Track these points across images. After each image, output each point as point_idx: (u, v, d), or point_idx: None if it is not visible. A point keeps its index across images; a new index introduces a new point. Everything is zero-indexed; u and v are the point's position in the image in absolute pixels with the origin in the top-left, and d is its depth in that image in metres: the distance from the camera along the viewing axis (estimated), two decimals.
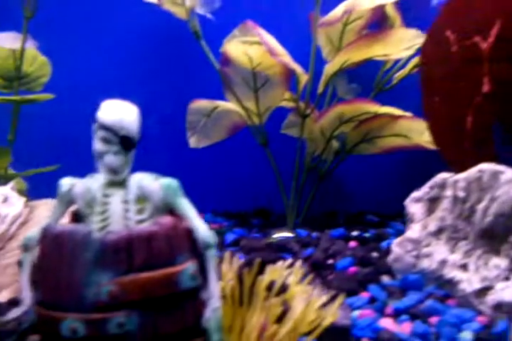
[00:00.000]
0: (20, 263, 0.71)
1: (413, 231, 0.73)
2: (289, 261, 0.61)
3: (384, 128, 1.13)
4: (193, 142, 1.23)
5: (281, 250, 0.85)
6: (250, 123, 1.19)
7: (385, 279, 0.72)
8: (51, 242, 0.47)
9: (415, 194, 0.76)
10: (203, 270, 0.50)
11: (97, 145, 0.50)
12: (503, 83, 0.77)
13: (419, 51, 1.09)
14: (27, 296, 0.50)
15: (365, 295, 0.68)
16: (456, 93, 0.81)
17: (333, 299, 0.57)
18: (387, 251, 0.77)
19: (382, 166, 1.28)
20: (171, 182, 0.52)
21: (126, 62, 1.25)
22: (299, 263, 0.60)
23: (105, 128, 0.49)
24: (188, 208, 0.52)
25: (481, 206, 0.66)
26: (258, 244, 0.87)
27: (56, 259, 0.47)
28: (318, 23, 1.12)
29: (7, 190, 0.83)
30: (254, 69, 1.14)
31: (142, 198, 0.51)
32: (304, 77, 1.16)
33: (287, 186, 1.19)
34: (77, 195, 0.51)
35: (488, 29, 0.75)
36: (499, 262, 0.63)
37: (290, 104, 1.23)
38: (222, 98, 1.20)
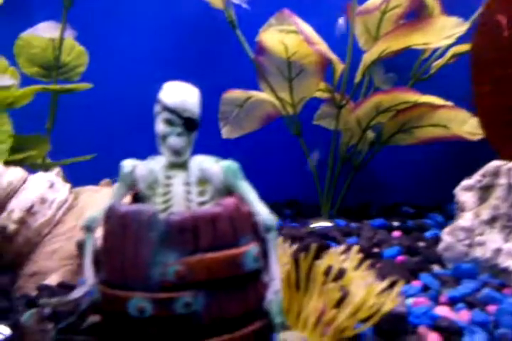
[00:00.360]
0: (80, 245, 0.72)
1: (465, 219, 0.71)
2: (343, 247, 0.60)
3: (422, 118, 1.11)
4: (226, 132, 1.23)
5: (324, 238, 0.85)
6: (284, 113, 1.18)
7: (436, 268, 0.71)
8: (116, 222, 0.48)
9: (466, 182, 0.75)
10: (263, 253, 0.50)
11: (161, 127, 0.50)
12: None
13: (459, 40, 1.07)
14: (90, 276, 0.50)
15: (417, 284, 0.67)
16: (508, 80, 0.79)
17: (391, 286, 0.56)
18: (435, 241, 0.76)
19: (418, 157, 1.26)
20: (231, 164, 0.52)
21: (161, 51, 1.25)
22: (355, 248, 0.59)
23: (169, 110, 0.49)
24: (248, 191, 0.51)
25: None
26: (299, 233, 0.86)
27: (121, 239, 0.47)
28: (355, 11, 1.10)
29: (52, 175, 0.84)
30: (289, 58, 1.13)
31: (203, 180, 0.51)
32: (340, 67, 1.14)
33: (321, 177, 1.19)
34: (139, 176, 0.51)
35: None
36: None
37: (324, 95, 1.22)
38: (256, 88, 1.19)
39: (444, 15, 1.13)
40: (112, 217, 0.48)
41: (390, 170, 1.28)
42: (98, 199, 0.84)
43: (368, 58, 1.10)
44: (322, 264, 0.55)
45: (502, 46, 0.79)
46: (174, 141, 0.49)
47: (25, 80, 1.07)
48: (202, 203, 0.50)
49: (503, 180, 0.69)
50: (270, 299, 0.48)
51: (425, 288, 0.66)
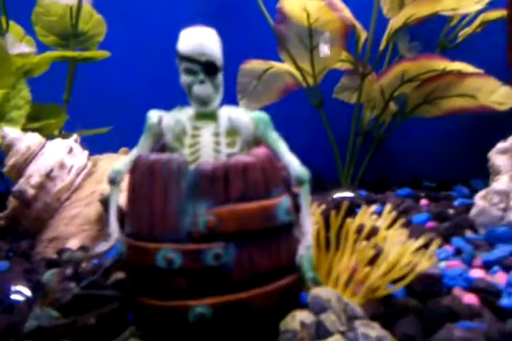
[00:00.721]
0: (104, 202, 0.71)
1: (500, 182, 0.68)
2: (374, 206, 0.58)
3: (449, 87, 1.07)
4: (244, 105, 1.20)
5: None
6: (304, 84, 1.15)
7: (468, 233, 0.69)
8: (145, 172, 0.46)
9: (501, 145, 0.72)
10: (295, 207, 0.48)
11: (183, 78, 0.48)
12: None
13: (489, 5, 1.02)
14: (114, 230, 0.49)
15: (449, 248, 0.65)
16: None
17: (425, 247, 0.54)
18: (465, 208, 0.73)
19: (441, 130, 1.22)
20: (262, 115, 0.49)
21: (179, 19, 1.22)
22: (388, 207, 0.57)
23: (186, 58, 0.47)
24: (279, 143, 0.49)
25: None
26: (323, 201, 0.84)
27: (149, 189, 0.45)
28: None
29: (71, 141, 0.83)
30: (311, 25, 1.10)
31: (232, 131, 0.48)
32: (363, 34, 1.11)
33: (342, 150, 1.16)
34: (165, 127, 0.49)
35: None
36: None
37: (344, 66, 1.18)
38: (275, 58, 1.16)
39: None
40: (140, 167, 0.46)
41: (411, 144, 1.24)
42: None
43: (393, 25, 1.05)
44: (354, 222, 0.53)
45: None
46: (198, 89, 0.47)
47: (42, 50, 1.05)
48: (231, 155, 0.48)
49: None
50: (301, 254, 0.47)
51: (458, 252, 0.64)
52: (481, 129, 1.19)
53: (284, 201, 0.46)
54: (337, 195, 0.97)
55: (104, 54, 1.03)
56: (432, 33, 1.14)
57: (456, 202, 0.85)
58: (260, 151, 0.47)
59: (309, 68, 1.14)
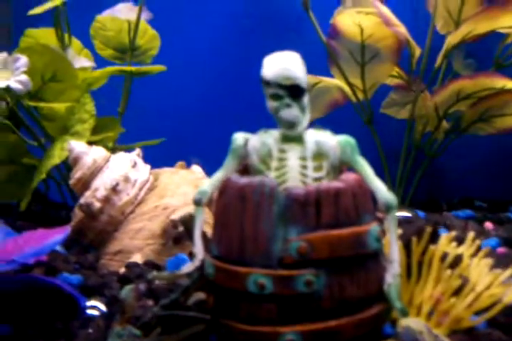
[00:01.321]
0: (178, 223, 0.72)
1: None
2: (454, 233, 0.57)
3: (506, 106, 1.05)
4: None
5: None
6: (355, 99, 1.14)
7: None
8: (235, 194, 0.46)
9: None
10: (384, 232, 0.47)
11: (270, 103, 0.48)
12: None
13: None
14: (199, 251, 0.49)
15: None
16: None
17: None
18: None
19: (493, 148, 1.19)
20: (349, 139, 0.49)
21: (232, 35, 1.23)
22: (471, 234, 0.56)
23: (270, 83, 0.47)
24: (366, 167, 0.49)
25: None
26: (400, 225, 0.82)
27: (240, 212, 0.45)
28: None
29: (134, 156, 0.84)
30: (364, 41, 1.09)
31: (319, 155, 0.48)
32: (417, 51, 1.10)
33: (391, 167, 1.14)
34: (251, 149, 0.49)
35: None
36: None
37: (394, 81, 1.17)
38: (326, 74, 1.16)
39: None
40: (230, 190, 0.46)
41: (461, 162, 1.22)
42: (177, 180, 0.83)
43: (451, 41, 1.04)
44: (437, 249, 0.52)
45: None
46: (285, 113, 0.47)
47: (97, 63, 1.08)
48: (318, 179, 0.48)
49: None
50: (389, 282, 0.46)
51: None
52: None
53: (374, 227, 0.46)
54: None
55: (160, 68, 1.05)
56: (487, 51, 1.13)
57: None
58: (351, 177, 0.47)
59: (359, 83, 1.14)
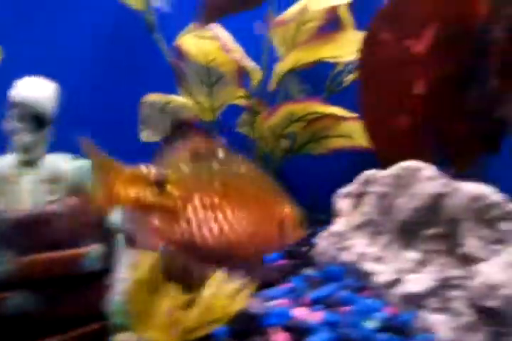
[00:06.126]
0: None
1: (338, 225, 0.75)
2: None
3: (330, 128, 1.16)
4: (145, 136, 1.23)
5: None
6: (203, 118, 1.20)
7: (309, 271, 0.74)
8: None
9: (344, 190, 0.78)
10: (110, 254, 0.51)
11: (10, 123, 0.50)
12: (437, 86, 0.81)
13: None
14: None
15: (286, 286, 0.69)
16: (392, 94, 0.84)
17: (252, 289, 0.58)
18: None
19: (330, 166, 1.30)
20: (84, 163, 0.52)
21: (78, 54, 1.24)
22: None
23: (18, 105, 0.49)
24: None
25: (399, 201, 0.69)
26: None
27: None
28: (273, 21, 1.14)
29: None
30: (208, 64, 1.15)
31: (54, 179, 0.51)
32: (257, 75, 1.17)
33: None
34: None
35: (424, 32, 0.78)
36: (411, 255, 0.65)
37: (244, 102, 1.25)
38: (176, 92, 1.20)
39: (356, 29, 1.19)
40: None
41: (303, 179, 1.31)
42: None
43: (281, 67, 1.13)
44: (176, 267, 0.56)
45: (387, 62, 0.84)
46: (23, 137, 0.50)
47: None
48: (51, 202, 0.50)
49: (373, 188, 0.73)
50: (112, 300, 0.49)
51: (293, 290, 0.69)
52: (364, 165, 1.28)
53: (93, 250, 0.49)
54: None
55: None
56: (322, 76, 1.24)
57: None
58: (72, 200, 0.50)
59: (207, 103, 1.19)
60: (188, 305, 0.54)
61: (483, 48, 0.79)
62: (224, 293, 0.55)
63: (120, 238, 0.50)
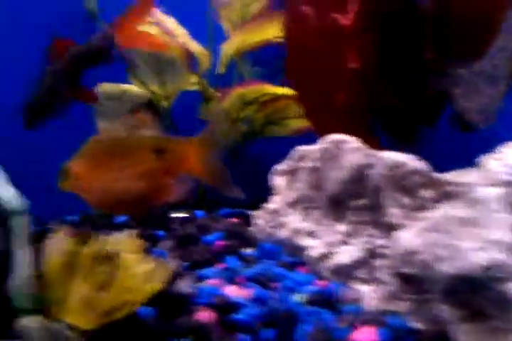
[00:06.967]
0: None
1: (273, 202, 0.74)
2: (125, 233, 0.61)
3: (285, 109, 1.14)
4: (102, 127, 1.22)
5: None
6: (160, 106, 1.19)
7: (248, 250, 0.73)
8: None
9: (278, 167, 0.77)
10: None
11: None
12: (367, 59, 0.79)
13: None
14: None
15: (220, 266, 0.69)
16: (324, 71, 0.83)
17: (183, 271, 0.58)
18: None
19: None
20: None
21: (19, 41, 1.21)
22: (134, 234, 0.60)
23: None
24: None
25: (328, 175, 0.68)
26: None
27: None
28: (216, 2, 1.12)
29: None
30: (156, 51, 1.14)
31: None
32: (205, 59, 1.16)
33: None
34: None
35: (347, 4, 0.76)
36: (341, 228, 0.65)
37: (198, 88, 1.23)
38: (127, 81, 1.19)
39: None
40: None
41: (265, 162, 1.30)
42: None
43: (227, 49, 1.12)
44: (89, 249, 0.56)
45: (312, 36, 0.82)
46: None
47: None
48: None
49: (304, 163, 0.72)
50: (13, 284, 0.48)
51: (227, 270, 0.68)
52: None
53: None
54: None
55: None
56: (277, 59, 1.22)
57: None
58: None
59: (161, 91, 1.18)
60: (103, 287, 0.54)
61: (415, 18, 0.77)
62: (139, 273, 0.55)
63: (18, 221, 0.49)
